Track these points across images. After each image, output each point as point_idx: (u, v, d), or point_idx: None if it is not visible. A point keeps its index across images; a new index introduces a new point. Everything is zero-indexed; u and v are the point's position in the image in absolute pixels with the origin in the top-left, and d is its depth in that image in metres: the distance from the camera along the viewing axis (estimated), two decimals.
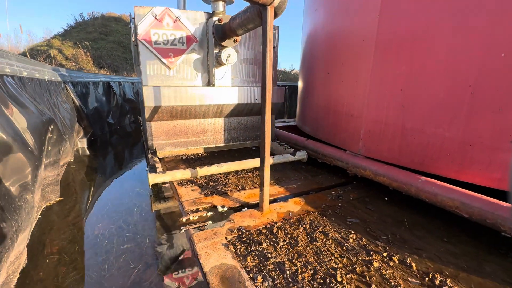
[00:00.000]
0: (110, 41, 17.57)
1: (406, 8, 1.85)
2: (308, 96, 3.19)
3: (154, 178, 2.08)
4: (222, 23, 2.33)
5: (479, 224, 1.51)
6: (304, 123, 3.38)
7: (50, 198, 1.90)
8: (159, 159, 2.86)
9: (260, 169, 1.73)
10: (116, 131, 5.08)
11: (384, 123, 2.08)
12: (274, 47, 2.99)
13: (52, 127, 1.89)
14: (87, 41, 16.34)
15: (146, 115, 2.50)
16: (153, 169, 2.30)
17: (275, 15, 1.58)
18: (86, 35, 17.82)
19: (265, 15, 1.47)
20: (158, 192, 2.38)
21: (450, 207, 1.61)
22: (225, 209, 1.85)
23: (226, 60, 2.39)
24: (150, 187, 2.10)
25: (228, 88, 2.68)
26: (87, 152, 3.59)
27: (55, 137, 1.95)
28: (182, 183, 2.26)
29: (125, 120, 5.61)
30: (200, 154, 3.10)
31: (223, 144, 3.06)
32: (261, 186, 1.74)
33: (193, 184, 2.25)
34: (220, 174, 2.47)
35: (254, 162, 2.45)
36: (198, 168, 2.24)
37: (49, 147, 1.80)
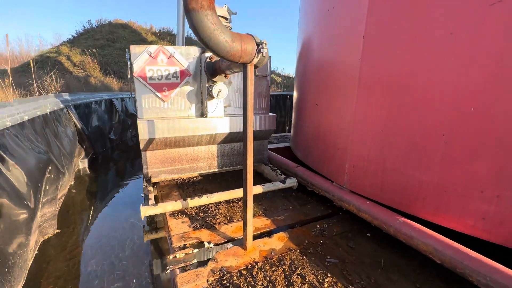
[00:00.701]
0: (117, 48, 18.01)
1: (386, 54, 1.92)
2: (300, 122, 3.27)
3: (146, 211, 2.18)
4: (213, 61, 2.44)
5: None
6: (296, 147, 3.46)
7: (48, 232, 2.02)
8: (154, 184, 2.97)
9: (243, 210, 1.81)
10: (117, 146, 5.24)
11: (366, 160, 2.14)
12: (266, 76, 3.08)
13: (50, 167, 2.02)
14: (94, 48, 16.79)
15: (141, 146, 2.61)
16: (146, 199, 2.41)
17: (256, 67, 1.67)
18: (93, 42, 18.31)
19: (245, 71, 1.57)
20: (151, 221, 2.48)
21: (425, 252, 1.67)
22: (211, 245, 1.94)
23: (217, 95, 2.49)
24: (142, 219, 2.20)
25: (220, 119, 2.79)
26: (88, 172, 3.74)
27: (53, 176, 2.08)
28: (173, 213, 2.36)
29: (127, 134, 5.78)
30: (194, 178, 3.20)
31: (216, 170, 3.15)
32: (244, 225, 1.83)
33: (184, 216, 2.35)
34: (211, 203, 2.57)
35: (241, 190, 2.55)
36: (189, 200, 2.34)
37: (47, 186, 1.92)
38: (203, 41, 1.36)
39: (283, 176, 2.94)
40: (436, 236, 1.65)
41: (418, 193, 1.84)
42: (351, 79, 2.18)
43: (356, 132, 2.20)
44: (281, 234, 2.08)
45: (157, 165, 2.81)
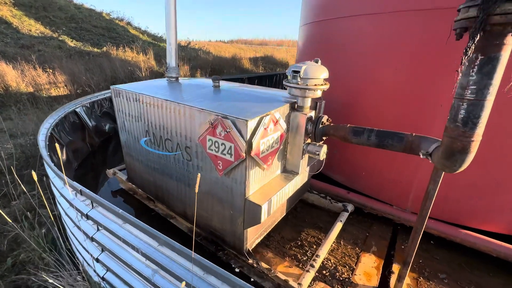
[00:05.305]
0: None
1: None
2: (339, 150, 3.64)
3: None
4: (326, 126, 2.36)
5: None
6: (334, 171, 3.85)
7: None
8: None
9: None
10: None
11: None
12: None
13: None
14: None
15: (247, 226, 2.30)
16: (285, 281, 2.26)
17: None
18: None
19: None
20: None
21: (485, 251, 2.67)
22: None
23: (322, 155, 2.47)
24: None
25: (304, 172, 2.77)
26: None
27: None
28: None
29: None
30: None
31: (284, 214, 3.15)
32: None
33: (316, 280, 2.41)
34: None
35: (335, 232, 2.85)
36: (314, 264, 2.42)
37: None
38: (449, 164, 1.52)
39: (340, 203, 3.35)
40: (492, 240, 2.66)
41: (471, 213, 2.80)
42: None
43: (423, 172, 2.87)
44: (396, 265, 2.61)
45: (252, 236, 2.56)
